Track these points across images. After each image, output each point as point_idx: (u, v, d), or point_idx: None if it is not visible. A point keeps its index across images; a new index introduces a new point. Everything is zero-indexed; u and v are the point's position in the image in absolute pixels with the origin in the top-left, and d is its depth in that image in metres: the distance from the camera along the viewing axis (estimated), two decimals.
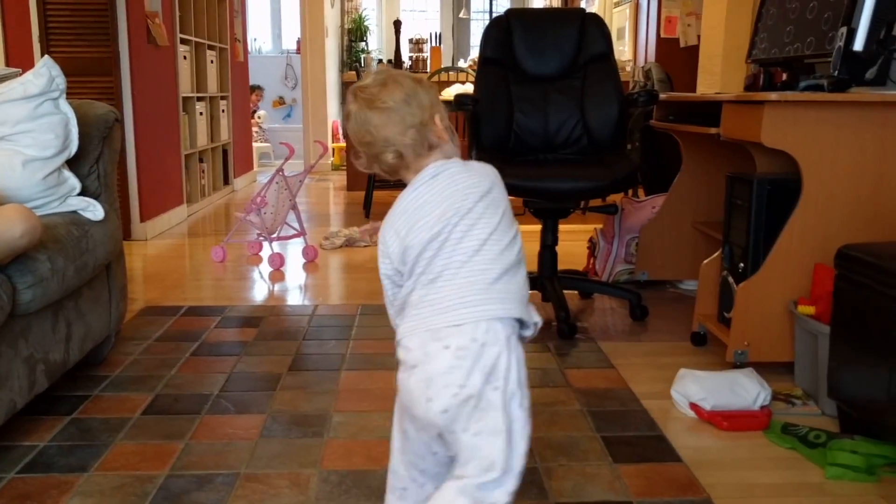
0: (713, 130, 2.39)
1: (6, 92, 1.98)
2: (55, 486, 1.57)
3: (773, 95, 2.11)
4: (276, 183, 3.65)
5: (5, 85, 2.02)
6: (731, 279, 2.28)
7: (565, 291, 2.77)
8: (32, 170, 1.94)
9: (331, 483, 1.59)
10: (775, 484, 1.62)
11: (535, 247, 2.80)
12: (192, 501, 1.52)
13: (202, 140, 5.52)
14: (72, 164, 2.10)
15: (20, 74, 2.08)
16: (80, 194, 2.10)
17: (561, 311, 2.60)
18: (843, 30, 2.10)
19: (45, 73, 1.99)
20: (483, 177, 1.15)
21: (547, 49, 3.03)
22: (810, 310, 2.00)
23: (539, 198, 2.67)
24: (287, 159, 3.66)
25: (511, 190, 2.66)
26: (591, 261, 3.38)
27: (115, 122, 2.25)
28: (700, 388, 1.94)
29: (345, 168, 7.04)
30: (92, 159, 2.16)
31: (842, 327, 1.79)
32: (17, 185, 1.94)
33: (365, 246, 4.15)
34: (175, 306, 2.91)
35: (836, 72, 2.14)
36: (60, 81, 2.02)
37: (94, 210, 2.08)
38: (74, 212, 2.05)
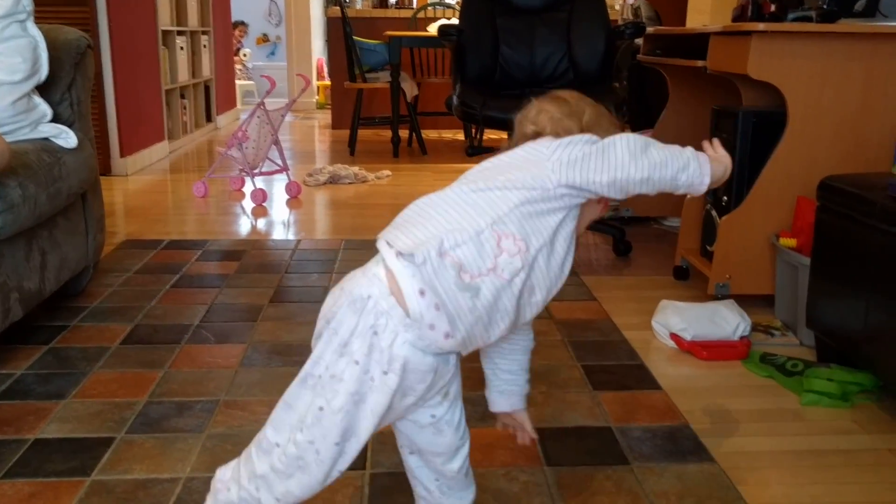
0: (700, 63, 2.35)
1: None
2: (32, 412, 1.56)
3: (761, 26, 2.07)
4: (258, 117, 3.59)
5: None
6: (714, 213, 2.27)
7: None
8: (0, 94, 1.89)
9: None
10: (752, 410, 1.63)
11: None
12: (172, 427, 1.52)
13: (183, 75, 5.40)
14: (43, 90, 2.04)
15: None
16: (52, 121, 2.05)
17: None
18: None
19: None
20: None
21: None
22: (792, 242, 2.00)
23: None
24: (268, 92, 3.59)
25: (497, 123, 2.66)
26: None
27: (87, 49, 2.19)
28: (681, 318, 1.95)
29: (329, 107, 6.94)
30: (64, 86, 2.10)
31: (822, 258, 1.79)
32: None
33: (349, 183, 4.11)
34: (156, 240, 2.89)
35: (825, 3, 2.10)
36: (27, 3, 1.95)
37: (66, 137, 2.03)
38: (46, 139, 2.00)
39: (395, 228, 0.95)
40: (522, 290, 0.93)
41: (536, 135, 1.06)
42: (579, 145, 0.98)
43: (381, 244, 0.95)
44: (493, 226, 0.91)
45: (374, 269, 0.94)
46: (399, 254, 0.91)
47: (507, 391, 1.18)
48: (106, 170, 4.12)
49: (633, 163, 0.95)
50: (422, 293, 0.89)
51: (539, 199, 0.94)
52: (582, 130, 1.04)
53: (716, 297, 2.14)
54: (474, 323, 0.91)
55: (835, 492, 1.33)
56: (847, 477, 1.38)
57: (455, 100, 2.66)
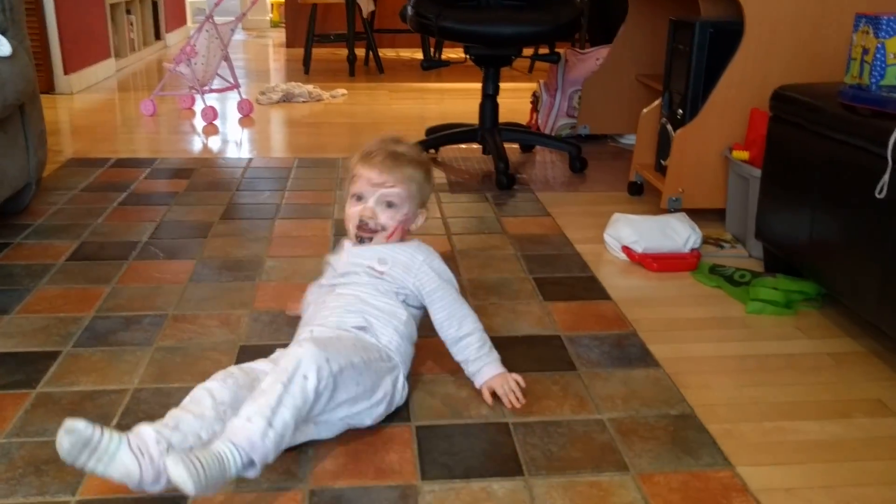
0: None
1: None
2: None
3: None
4: (206, 31, 3.46)
5: None
6: (669, 126, 2.26)
7: (506, 145, 2.73)
8: None
9: (262, 322, 1.58)
10: (699, 318, 1.66)
11: (477, 100, 2.74)
12: (119, 340, 1.50)
13: None
14: None
15: None
16: None
17: (500, 163, 2.58)
18: None
19: None
20: None
21: None
22: (744, 154, 2.01)
23: (480, 43, 2.59)
24: (217, 4, 3.46)
25: (452, 35, 2.60)
26: (534, 115, 3.33)
27: None
28: (632, 231, 1.96)
29: (283, 25, 6.73)
30: None
31: (772, 169, 1.80)
32: None
33: (304, 102, 4.02)
34: (103, 158, 2.80)
35: None
36: None
37: None
38: None
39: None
40: None
41: None
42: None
43: None
44: None
45: None
46: None
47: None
48: (49, 87, 3.97)
49: None
50: None
51: None
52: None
53: (668, 212, 2.15)
54: None
55: (774, 393, 1.37)
56: (787, 379, 1.42)
57: (409, 10, 2.59)
